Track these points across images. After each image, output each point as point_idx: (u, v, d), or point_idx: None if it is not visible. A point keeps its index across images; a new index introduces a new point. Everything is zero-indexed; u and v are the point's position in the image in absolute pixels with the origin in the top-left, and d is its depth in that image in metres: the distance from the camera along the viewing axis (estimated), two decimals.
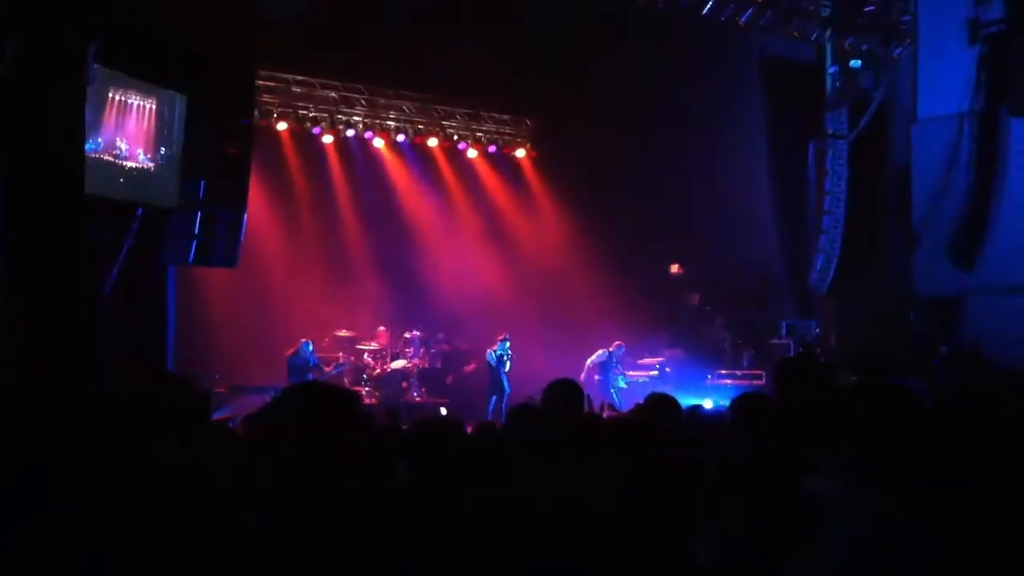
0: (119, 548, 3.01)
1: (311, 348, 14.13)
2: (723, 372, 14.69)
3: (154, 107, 11.32)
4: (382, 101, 16.54)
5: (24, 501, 3.12)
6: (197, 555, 3.06)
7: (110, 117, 10.52)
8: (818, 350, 14.05)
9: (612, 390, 14.22)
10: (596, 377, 14.42)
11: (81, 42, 8.19)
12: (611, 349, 14.64)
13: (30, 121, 7.95)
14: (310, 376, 13.59)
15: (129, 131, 10.90)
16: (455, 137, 17.03)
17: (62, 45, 7.93)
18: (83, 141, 8.38)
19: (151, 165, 11.51)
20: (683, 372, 14.76)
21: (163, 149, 11.56)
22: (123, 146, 10.88)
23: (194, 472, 3.35)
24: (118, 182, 10.82)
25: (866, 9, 14.34)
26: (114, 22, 9.32)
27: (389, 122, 16.61)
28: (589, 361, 14.67)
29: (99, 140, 10.55)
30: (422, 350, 15.58)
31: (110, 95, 10.53)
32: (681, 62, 14.32)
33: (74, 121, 8.16)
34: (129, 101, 10.84)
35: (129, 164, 11.04)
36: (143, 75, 10.96)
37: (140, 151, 11.23)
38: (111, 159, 10.73)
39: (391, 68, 15.48)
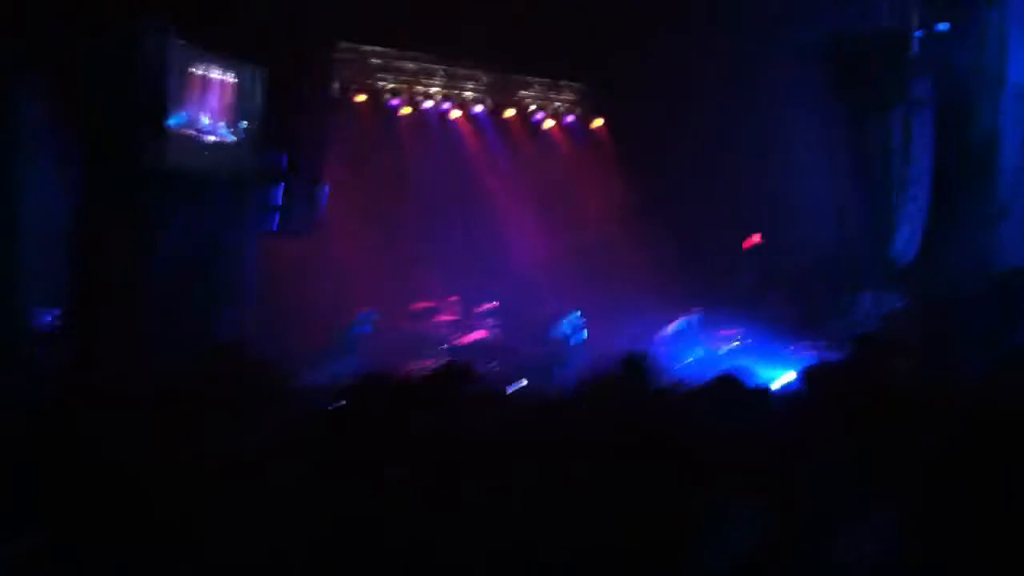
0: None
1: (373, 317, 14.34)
2: (806, 343, 14.43)
3: (235, 81, 11.56)
4: (460, 72, 16.61)
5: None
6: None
7: (192, 92, 10.78)
8: (899, 322, 13.74)
9: (690, 359, 14.10)
10: (673, 347, 14.31)
11: (165, 21, 8.45)
12: (690, 317, 14.49)
13: (111, 94, 8.23)
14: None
15: (211, 106, 11.16)
16: (532, 107, 17.03)
17: (142, 21, 8.19)
18: (165, 115, 8.65)
19: (233, 138, 11.76)
20: (765, 342, 14.56)
21: (244, 123, 11.80)
22: (205, 120, 11.14)
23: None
24: (201, 155, 11.09)
25: None
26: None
27: (467, 93, 16.69)
28: (669, 329, 14.56)
29: (182, 115, 10.82)
30: (499, 322, 15.65)
31: (191, 70, 10.78)
32: (755, 28, 14.09)
33: (156, 95, 8.42)
34: (210, 76, 11.10)
35: (211, 138, 11.31)
36: (223, 50, 11.19)
37: (222, 125, 11.50)
38: (193, 133, 11.00)
39: (468, 39, 15.48)
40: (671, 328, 14.46)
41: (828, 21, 14.09)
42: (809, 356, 13.75)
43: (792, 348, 14.38)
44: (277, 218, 13.85)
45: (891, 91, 14.55)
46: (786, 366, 13.25)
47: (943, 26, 13.89)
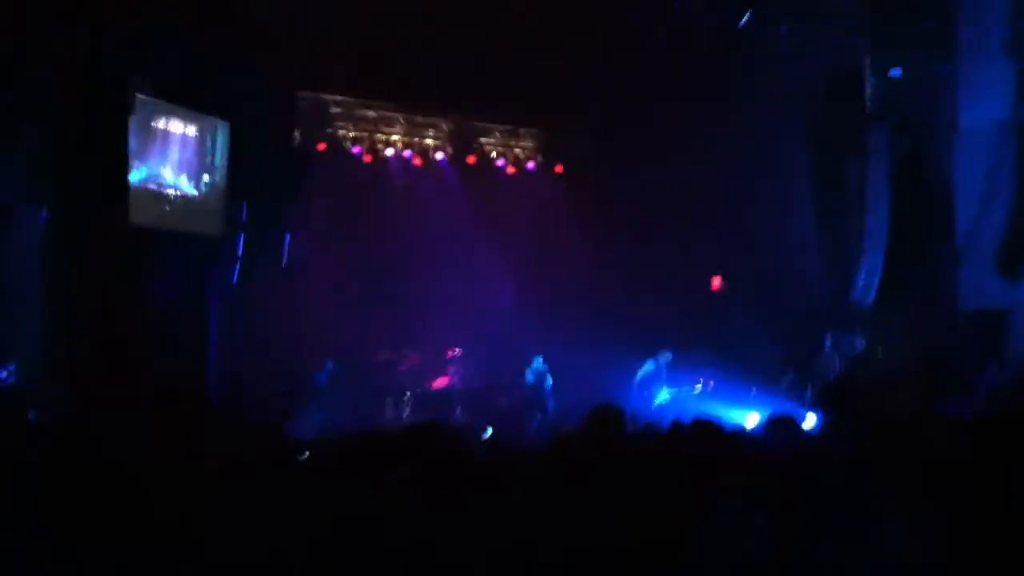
0: None
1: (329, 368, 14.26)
2: (767, 386, 14.54)
3: (197, 135, 11.45)
4: (420, 120, 16.63)
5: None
6: None
7: (154, 146, 10.66)
8: (863, 365, 13.88)
9: (659, 402, 14.11)
10: (642, 391, 14.30)
11: (126, 73, 8.34)
12: (657, 358, 14.49)
13: (77, 153, 8.10)
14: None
15: (173, 160, 11.04)
16: (493, 154, 17.07)
17: (108, 77, 8.08)
18: (127, 172, 8.53)
19: (195, 193, 11.64)
20: (726, 387, 14.63)
21: (207, 176, 11.69)
22: (167, 175, 11.01)
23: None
24: (163, 211, 10.95)
25: (906, 21, 14.17)
26: (156, 51, 9.46)
27: (428, 140, 16.70)
28: (638, 374, 14.55)
29: (144, 170, 10.69)
30: (463, 369, 15.58)
31: (153, 124, 10.67)
32: (717, 74, 14.28)
33: (119, 152, 8.30)
34: (172, 130, 10.97)
35: (174, 193, 11.17)
36: (185, 102, 11.08)
37: (184, 179, 11.37)
38: (156, 188, 10.86)
39: (427, 88, 15.51)
40: (640, 372, 14.45)
41: (788, 70, 14.30)
42: (772, 399, 13.91)
43: (755, 391, 14.48)
44: (238, 268, 13.74)
45: (847, 139, 14.82)
46: (750, 408, 13.38)
47: (896, 71, 14.15)
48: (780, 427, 5.42)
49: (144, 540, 3.17)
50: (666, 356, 14.45)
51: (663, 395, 14.41)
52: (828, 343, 14.49)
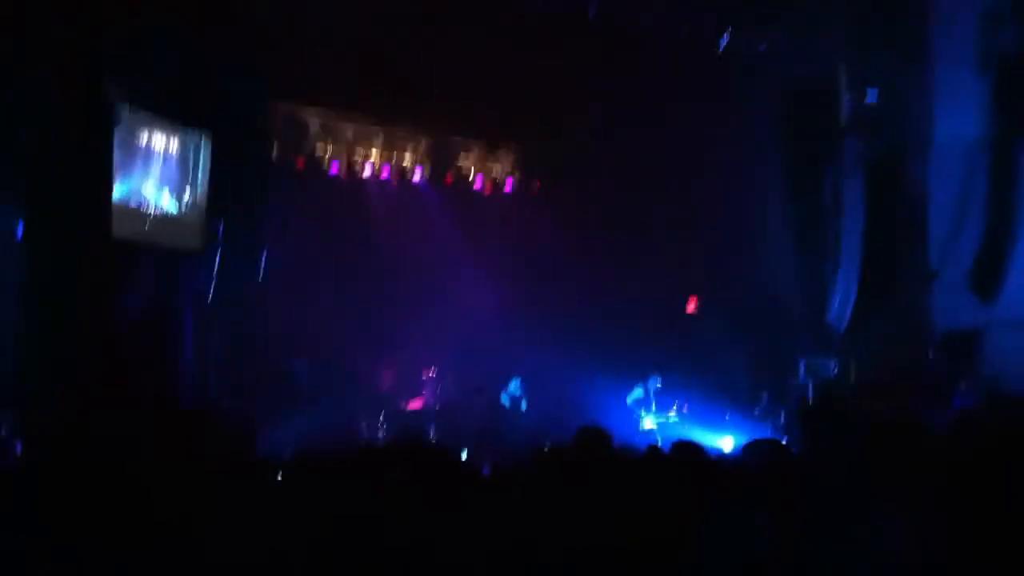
0: None
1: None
2: (741, 410, 14.58)
3: (179, 149, 11.37)
4: (398, 136, 16.60)
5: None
6: None
7: (137, 161, 10.56)
8: (837, 386, 13.96)
9: (642, 430, 14.06)
10: (633, 416, 14.29)
11: (108, 86, 8.27)
12: (647, 383, 14.46)
13: (58, 168, 8.01)
14: None
15: (155, 174, 10.94)
16: (471, 171, 17.07)
17: (90, 89, 8.01)
18: (110, 186, 8.44)
19: (177, 208, 11.54)
20: (700, 411, 14.64)
21: (188, 191, 11.61)
22: (150, 190, 10.92)
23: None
24: (144, 226, 10.85)
25: (880, 35, 14.30)
26: (139, 64, 9.39)
27: (405, 157, 16.67)
28: (628, 397, 14.52)
29: (126, 184, 10.59)
30: (439, 389, 15.49)
31: (136, 138, 10.58)
32: (694, 91, 14.35)
33: (101, 166, 8.22)
34: (155, 144, 10.89)
35: (155, 208, 11.08)
36: (167, 115, 11.00)
37: (166, 194, 11.28)
38: (137, 203, 10.77)
39: (408, 104, 15.49)
40: (629, 397, 14.40)
41: (762, 85, 14.39)
42: (746, 423, 13.97)
43: (729, 415, 14.51)
44: (214, 284, 13.63)
45: (821, 154, 14.93)
46: (724, 432, 13.41)
47: (872, 94, 14.29)
48: (762, 449, 5.41)
49: (142, 540, 3.15)
50: (655, 380, 14.40)
51: (650, 421, 14.31)
52: (802, 367, 14.56)
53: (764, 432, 13.31)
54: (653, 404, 14.36)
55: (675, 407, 14.62)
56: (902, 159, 14.51)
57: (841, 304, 14.62)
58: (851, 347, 14.43)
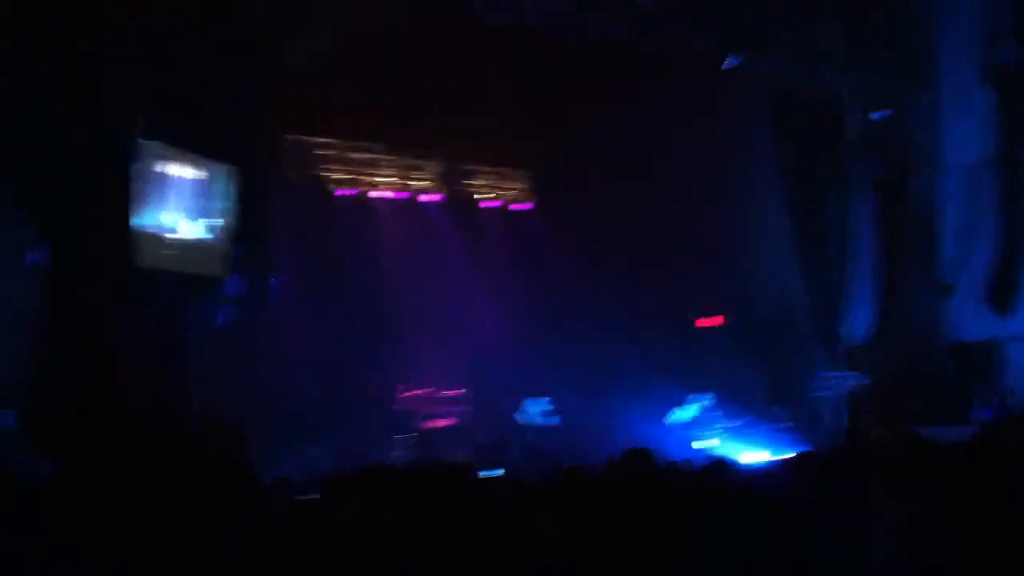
0: None
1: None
2: (763, 425, 14.56)
3: (197, 178, 11.45)
4: (407, 161, 16.68)
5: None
6: None
7: (157, 190, 10.64)
8: (854, 402, 13.95)
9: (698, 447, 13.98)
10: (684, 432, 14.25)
11: (129, 119, 8.36)
12: (702, 400, 14.41)
13: (80, 198, 8.09)
14: None
15: (175, 203, 11.01)
16: (481, 195, 17.16)
17: (111, 123, 8.10)
18: (129, 216, 8.52)
19: (198, 236, 11.61)
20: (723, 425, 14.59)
21: (210, 220, 11.67)
22: (170, 218, 10.98)
23: None
24: (165, 254, 10.91)
25: (885, 53, 14.38)
26: (156, 96, 9.49)
27: (415, 182, 16.75)
28: (682, 414, 14.48)
29: (147, 213, 10.66)
30: (461, 408, 15.49)
31: (155, 168, 10.65)
32: (698, 111, 14.41)
33: (122, 196, 8.30)
34: (175, 174, 10.96)
35: (176, 236, 11.14)
36: (187, 147, 11.08)
37: (188, 222, 11.35)
38: (158, 232, 10.84)
39: (415, 130, 15.58)
40: (685, 413, 14.30)
41: (769, 103, 14.46)
42: (769, 437, 13.94)
43: (751, 429, 14.48)
44: (227, 310, 13.67)
45: (828, 172, 14.99)
46: (759, 446, 13.37)
47: (877, 115, 14.34)
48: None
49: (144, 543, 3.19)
50: (707, 399, 14.33)
51: (708, 441, 14.22)
52: (821, 381, 14.57)
53: (786, 444, 13.37)
54: (710, 422, 14.30)
55: (721, 425, 14.58)
56: (910, 175, 14.58)
57: (855, 319, 14.66)
58: (866, 362, 14.44)
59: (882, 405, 13.47)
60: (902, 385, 13.63)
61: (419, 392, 15.45)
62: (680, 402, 14.43)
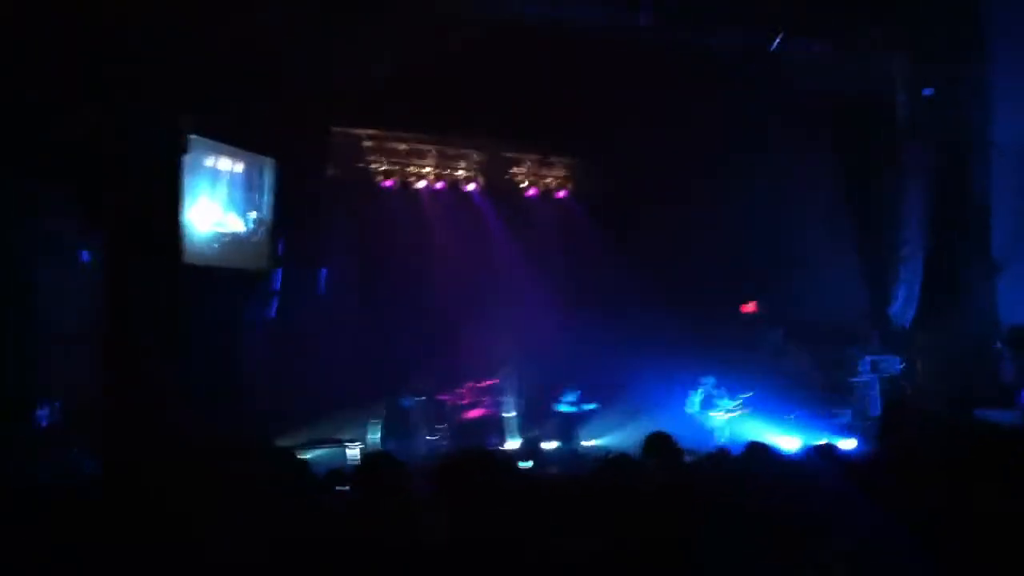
0: None
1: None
2: (806, 410, 14.51)
3: (244, 171, 11.59)
4: (451, 151, 16.77)
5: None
6: None
7: (205, 184, 10.79)
8: (903, 384, 13.84)
9: (712, 427, 14.07)
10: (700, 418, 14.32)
11: (177, 115, 8.50)
12: (704, 385, 14.46)
13: (131, 193, 8.25)
14: None
15: (222, 197, 11.17)
16: (524, 183, 17.19)
17: (160, 118, 8.24)
18: (180, 212, 8.67)
19: (244, 229, 11.76)
20: (765, 409, 14.59)
21: (254, 213, 11.83)
22: (216, 213, 11.14)
23: None
24: (214, 248, 11.07)
25: (938, 35, 14.17)
26: (204, 92, 9.62)
27: (459, 171, 16.83)
28: (692, 405, 14.55)
29: (196, 208, 10.81)
30: (498, 399, 15.58)
31: (204, 162, 10.81)
32: (748, 97, 14.30)
33: (173, 194, 8.45)
34: (221, 167, 11.12)
35: (222, 230, 11.30)
36: (233, 140, 11.23)
37: (233, 216, 11.51)
38: (205, 227, 11.00)
39: (459, 119, 15.62)
40: (691, 402, 14.36)
41: (822, 89, 14.31)
42: (814, 423, 13.90)
43: (795, 414, 14.44)
44: (276, 303, 13.84)
45: (881, 156, 14.81)
46: (791, 432, 13.34)
47: (928, 91, 14.16)
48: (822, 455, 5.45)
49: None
50: (710, 380, 14.39)
51: (711, 420, 14.28)
52: (867, 365, 14.45)
53: (830, 431, 13.32)
54: (716, 401, 14.32)
55: (741, 401, 14.59)
56: (963, 157, 14.37)
57: (905, 302, 14.49)
58: (916, 344, 14.30)
59: (931, 388, 13.35)
60: (952, 368, 13.49)
61: (461, 382, 15.59)
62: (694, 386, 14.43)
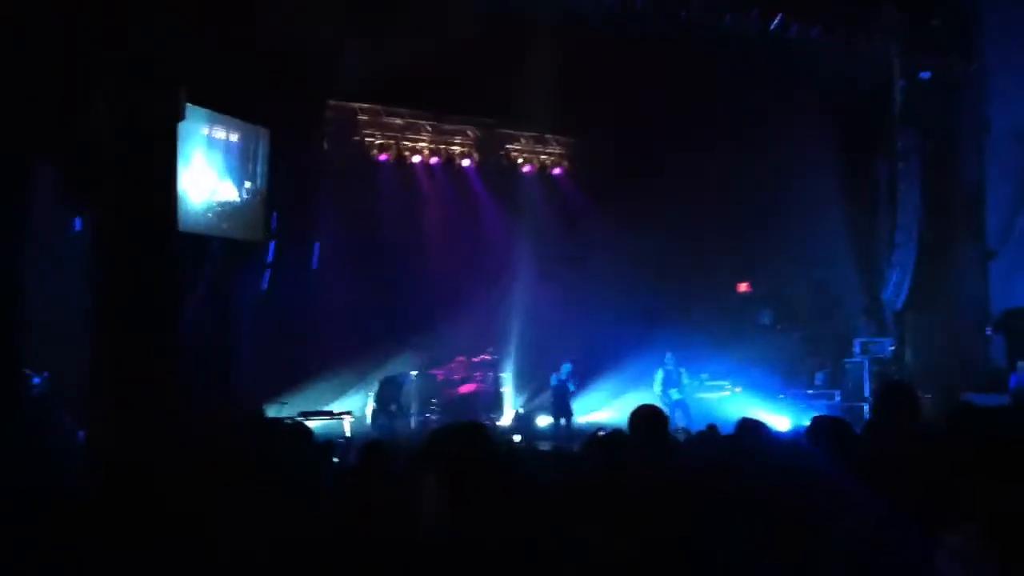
0: None
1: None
2: (796, 390, 14.59)
3: (240, 141, 11.55)
4: (447, 126, 16.73)
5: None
6: None
7: (198, 154, 10.75)
8: (892, 368, 13.93)
9: (670, 404, 14.10)
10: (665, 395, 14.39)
11: (174, 82, 8.43)
12: (665, 363, 14.54)
13: (125, 161, 8.19)
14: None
15: (216, 167, 11.13)
16: (520, 160, 17.17)
17: (155, 86, 8.17)
18: (176, 179, 8.61)
19: (237, 200, 11.73)
20: (755, 390, 14.66)
21: (248, 183, 11.79)
22: (211, 182, 11.10)
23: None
24: (209, 218, 11.04)
25: (934, 23, 14.19)
26: (200, 61, 9.55)
27: (454, 147, 16.81)
28: (656, 383, 14.61)
29: (188, 177, 10.76)
30: (491, 374, 15.61)
31: (198, 131, 10.77)
32: (746, 81, 14.29)
33: (168, 160, 8.38)
34: (216, 136, 11.07)
35: (216, 199, 11.27)
36: (228, 110, 11.19)
37: (227, 186, 11.47)
38: (199, 195, 10.97)
39: (456, 94, 15.57)
40: (657, 381, 14.43)
41: (818, 73, 14.32)
42: (802, 403, 13.97)
43: (784, 394, 14.51)
44: (269, 277, 13.81)
45: (877, 142, 14.86)
46: (781, 412, 13.40)
47: (925, 75, 14.19)
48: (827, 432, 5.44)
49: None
50: (671, 358, 14.45)
51: (673, 394, 14.33)
52: (857, 347, 14.53)
53: (819, 410, 13.36)
54: (676, 380, 14.37)
55: (728, 385, 14.65)
56: (959, 143, 14.42)
57: (897, 285, 14.57)
58: (907, 328, 14.39)
59: (922, 371, 13.43)
60: (943, 352, 13.58)
61: (454, 357, 15.62)
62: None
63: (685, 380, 14.22)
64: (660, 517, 3.90)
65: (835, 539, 3.70)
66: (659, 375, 14.16)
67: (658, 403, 14.12)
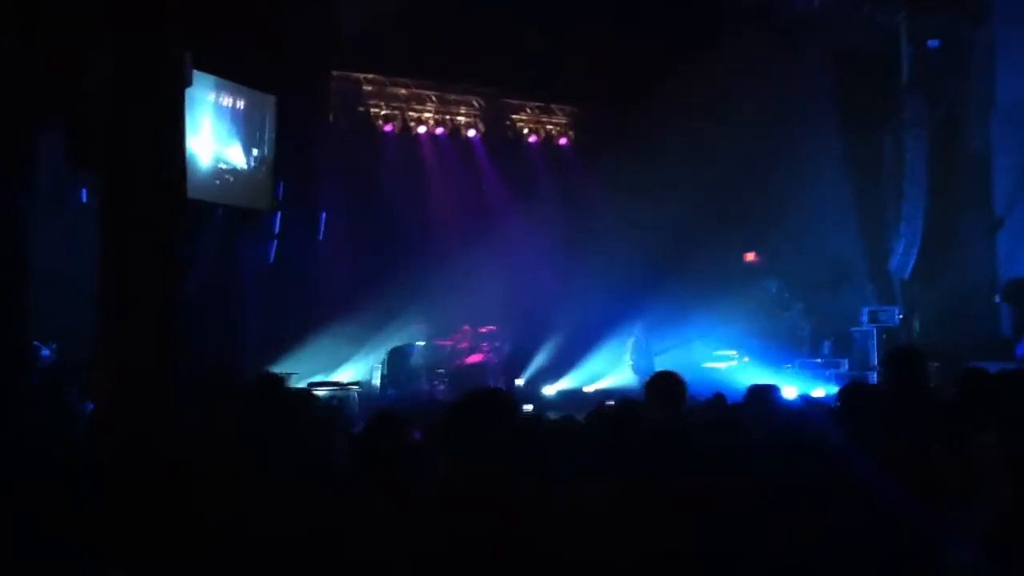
0: None
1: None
2: (803, 359, 14.59)
3: (246, 108, 11.52)
4: (452, 96, 16.67)
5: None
6: None
7: (205, 120, 10.72)
8: (901, 336, 13.93)
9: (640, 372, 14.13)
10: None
11: (180, 47, 8.38)
12: (635, 333, 14.53)
13: (132, 127, 8.15)
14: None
15: (223, 134, 11.10)
16: (525, 131, 17.11)
17: (162, 51, 8.12)
18: (183, 145, 8.59)
19: (244, 167, 11.71)
20: (762, 360, 14.68)
21: (255, 151, 11.76)
22: (218, 149, 11.08)
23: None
24: (217, 185, 11.03)
25: None
26: (206, 26, 9.51)
27: (460, 117, 16.75)
28: (630, 354, 14.64)
29: (195, 143, 10.75)
30: (498, 344, 15.60)
31: (205, 98, 10.74)
32: (751, 51, 14.21)
33: (175, 126, 8.34)
34: (223, 103, 11.04)
35: (224, 166, 11.24)
36: (235, 78, 11.15)
37: (234, 153, 11.45)
38: (207, 162, 10.95)
39: (461, 64, 15.52)
40: (631, 352, 14.42)
41: (823, 42, 14.26)
42: (811, 372, 13.99)
43: (791, 364, 14.52)
44: (275, 247, 13.79)
45: (883, 111, 14.80)
46: (789, 381, 13.40)
47: (934, 43, 14.09)
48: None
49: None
50: (638, 326, 14.39)
51: (651, 362, 14.39)
52: (865, 315, 14.53)
53: (827, 380, 13.42)
54: (645, 349, 14.40)
55: (735, 355, 14.67)
56: (966, 112, 14.37)
57: (904, 254, 14.55)
58: (915, 297, 14.38)
59: (929, 340, 13.42)
60: (950, 321, 13.58)
61: (460, 327, 15.61)
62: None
63: (654, 349, 14.31)
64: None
65: (844, 513, 3.69)
66: (630, 343, 14.25)
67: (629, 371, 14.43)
